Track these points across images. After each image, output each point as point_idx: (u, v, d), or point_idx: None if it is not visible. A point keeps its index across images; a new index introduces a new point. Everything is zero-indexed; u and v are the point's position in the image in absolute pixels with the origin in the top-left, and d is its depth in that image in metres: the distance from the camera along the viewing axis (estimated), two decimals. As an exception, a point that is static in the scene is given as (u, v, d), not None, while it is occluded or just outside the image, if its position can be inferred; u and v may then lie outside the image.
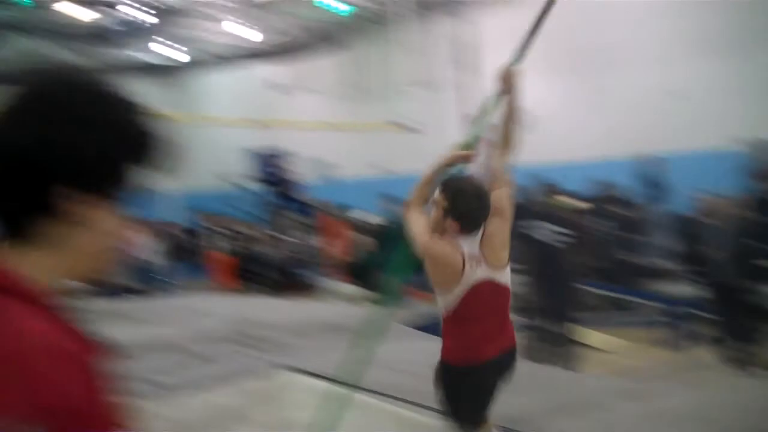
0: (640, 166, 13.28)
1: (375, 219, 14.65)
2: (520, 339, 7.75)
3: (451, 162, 4.11)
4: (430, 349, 6.11)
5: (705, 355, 9.00)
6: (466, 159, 4.13)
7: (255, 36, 20.89)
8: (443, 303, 3.90)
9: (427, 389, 4.14)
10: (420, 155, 15.90)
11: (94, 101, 1.22)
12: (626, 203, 12.75)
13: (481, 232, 3.89)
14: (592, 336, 9.13)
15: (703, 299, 9.31)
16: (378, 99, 20.35)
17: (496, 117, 4.16)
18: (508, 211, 4.00)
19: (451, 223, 3.81)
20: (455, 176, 4.02)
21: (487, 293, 3.86)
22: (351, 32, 20.66)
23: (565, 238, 7.99)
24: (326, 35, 20.07)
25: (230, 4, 18.29)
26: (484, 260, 3.86)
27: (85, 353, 1.12)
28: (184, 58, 22.50)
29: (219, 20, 19.76)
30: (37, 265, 1.18)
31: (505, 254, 3.94)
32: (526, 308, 8.37)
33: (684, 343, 9.57)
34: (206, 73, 23.23)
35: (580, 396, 5.55)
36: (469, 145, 4.19)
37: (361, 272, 12.65)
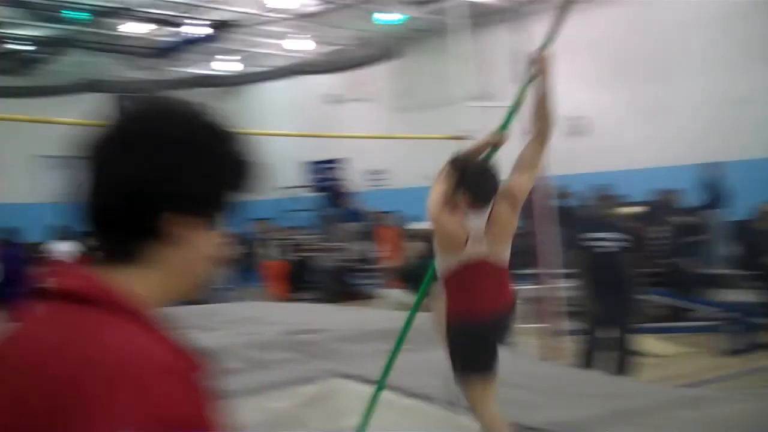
0: (700, 172, 13.08)
1: (427, 226, 14.60)
2: (574, 345, 7.71)
3: (484, 146, 4.23)
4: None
5: (763, 361, 8.83)
6: (497, 143, 4.23)
7: (309, 47, 21.06)
8: (443, 265, 4.13)
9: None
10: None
11: (198, 131, 1.27)
12: (685, 210, 12.57)
13: (489, 209, 4.02)
14: (648, 343, 9.00)
15: (761, 305, 9.13)
16: (433, 109, 20.35)
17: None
18: (519, 200, 4.13)
19: (461, 197, 3.99)
20: (463, 154, 4.18)
21: (482, 268, 4.06)
22: (405, 42, 20.71)
23: (620, 245, 7.90)
24: (380, 45, 20.11)
25: (285, 17, 18.45)
26: (486, 239, 4.03)
27: (189, 367, 1.16)
28: (240, 70, 22.74)
29: (274, 33, 19.95)
30: (136, 283, 1.23)
31: (506, 237, 4.11)
32: (580, 314, 8.30)
33: (742, 349, 9.40)
34: (261, 85, 23.44)
35: (635, 403, 5.48)
36: (502, 131, 4.26)
37: (413, 278, 12.63)
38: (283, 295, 17.74)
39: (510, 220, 4.11)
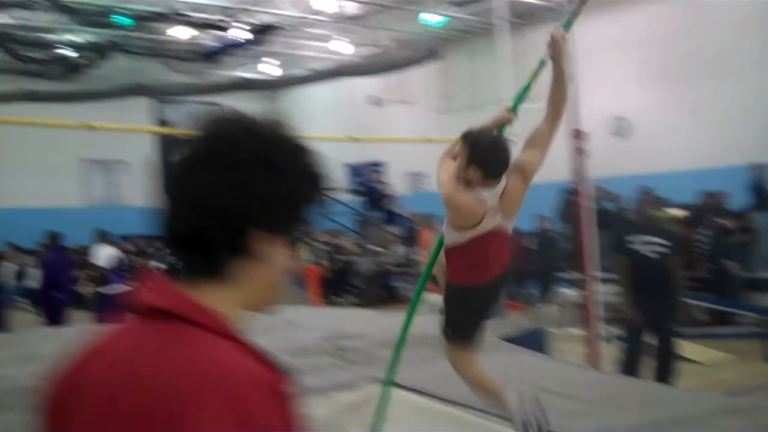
0: (745, 174, 12.89)
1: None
2: (615, 351, 7.63)
3: (494, 125, 4.24)
4: (523, 363, 6.07)
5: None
6: (507, 121, 4.27)
7: (349, 50, 21.10)
8: (453, 239, 4.16)
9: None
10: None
11: (279, 149, 1.31)
12: (730, 212, 12.40)
13: (502, 183, 4.06)
14: (690, 348, 8.89)
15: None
16: (473, 111, 20.26)
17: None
18: (531, 173, 4.16)
19: (473, 172, 3.99)
20: (475, 129, 4.16)
21: (494, 238, 4.12)
22: (446, 43, 20.68)
23: (662, 249, 7.81)
24: (420, 47, 20.10)
25: (325, 19, 18.51)
26: (500, 211, 4.09)
27: (276, 379, 1.22)
28: (281, 73, 22.85)
29: (316, 35, 20.04)
30: (219, 298, 1.28)
31: (516, 210, 4.17)
32: (622, 319, 8.22)
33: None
34: (302, 88, 23.54)
35: (677, 411, 5.41)
36: (513, 109, 4.30)
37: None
38: (323, 299, 17.81)
39: (520, 195, 4.16)
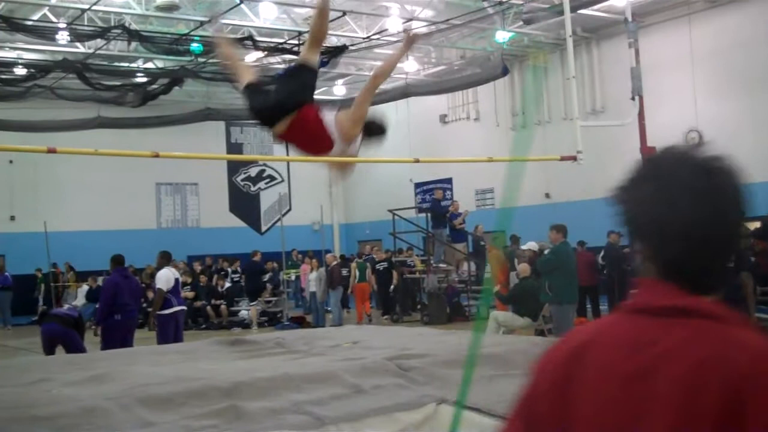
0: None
1: (532, 246, 14.48)
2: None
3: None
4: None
5: None
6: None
7: (416, 67, 21.20)
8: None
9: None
10: (585, 183, 15.62)
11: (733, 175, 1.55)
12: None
13: None
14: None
15: None
16: (541, 126, 20.18)
17: None
18: None
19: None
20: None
21: None
22: (513, 59, 20.63)
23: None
24: (489, 64, 20.10)
25: (393, 39, 18.65)
26: None
27: None
28: (347, 93, 23.07)
29: (383, 56, 20.17)
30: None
31: None
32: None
33: None
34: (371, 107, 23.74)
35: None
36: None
37: (518, 300, 12.46)
38: (386, 316, 17.93)
39: None
